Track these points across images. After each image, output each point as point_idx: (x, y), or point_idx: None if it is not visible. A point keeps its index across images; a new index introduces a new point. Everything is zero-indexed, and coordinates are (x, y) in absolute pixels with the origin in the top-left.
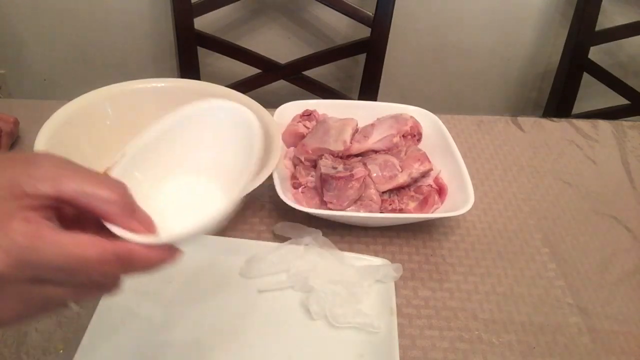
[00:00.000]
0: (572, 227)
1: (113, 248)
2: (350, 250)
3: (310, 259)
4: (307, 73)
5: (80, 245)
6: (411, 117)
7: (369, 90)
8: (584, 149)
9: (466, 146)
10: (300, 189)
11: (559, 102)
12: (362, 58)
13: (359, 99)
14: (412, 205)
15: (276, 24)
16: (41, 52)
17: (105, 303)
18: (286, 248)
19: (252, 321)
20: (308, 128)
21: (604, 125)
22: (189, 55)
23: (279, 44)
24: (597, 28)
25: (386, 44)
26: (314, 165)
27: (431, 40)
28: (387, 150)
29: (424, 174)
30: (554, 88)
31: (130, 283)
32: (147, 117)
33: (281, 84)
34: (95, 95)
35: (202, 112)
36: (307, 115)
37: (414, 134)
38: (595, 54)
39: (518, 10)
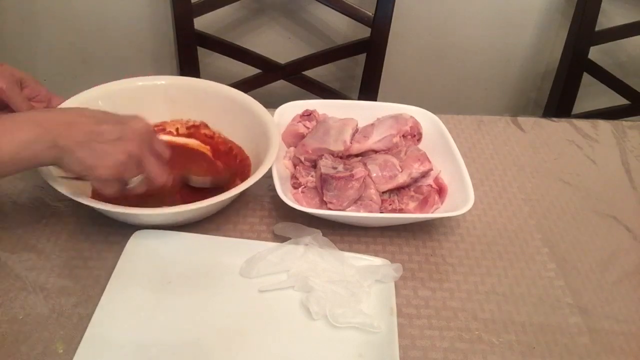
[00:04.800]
0: (572, 227)
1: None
2: (350, 250)
3: (310, 259)
4: (307, 73)
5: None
6: (411, 117)
7: (369, 90)
8: (584, 149)
9: (466, 146)
10: (300, 189)
11: (559, 102)
12: (362, 58)
13: (359, 99)
14: (412, 205)
15: (276, 24)
16: (41, 52)
17: (106, 303)
18: (286, 248)
19: (252, 321)
20: (308, 128)
21: (604, 125)
22: (189, 55)
23: (279, 44)
24: (597, 28)
25: (386, 44)
26: (314, 165)
27: (431, 40)
28: (387, 150)
29: (424, 174)
30: (554, 88)
31: (131, 282)
32: (148, 115)
33: (281, 84)
34: (93, 92)
35: None
36: (307, 115)
37: (414, 134)
38: (595, 54)
39: (518, 10)
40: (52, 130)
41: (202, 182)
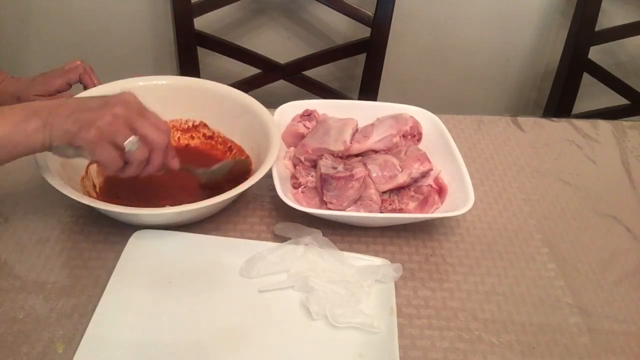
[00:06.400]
0: (572, 227)
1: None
2: (350, 250)
3: (310, 259)
4: (307, 73)
5: None
6: (411, 117)
7: (369, 90)
8: (584, 149)
9: (466, 146)
10: (300, 189)
11: (559, 102)
12: (362, 58)
13: (359, 99)
14: (412, 205)
15: (276, 24)
16: (41, 52)
17: (105, 303)
18: (286, 248)
19: (252, 321)
20: (308, 128)
21: (604, 125)
22: (189, 55)
23: (279, 44)
24: (597, 28)
25: (386, 44)
26: (314, 165)
27: (431, 40)
28: (387, 150)
29: (424, 174)
30: (554, 88)
31: (131, 282)
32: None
33: (281, 84)
34: (93, 93)
35: None
36: (307, 115)
37: (414, 134)
38: (595, 54)
39: (518, 10)
40: (41, 112)
41: (205, 173)
